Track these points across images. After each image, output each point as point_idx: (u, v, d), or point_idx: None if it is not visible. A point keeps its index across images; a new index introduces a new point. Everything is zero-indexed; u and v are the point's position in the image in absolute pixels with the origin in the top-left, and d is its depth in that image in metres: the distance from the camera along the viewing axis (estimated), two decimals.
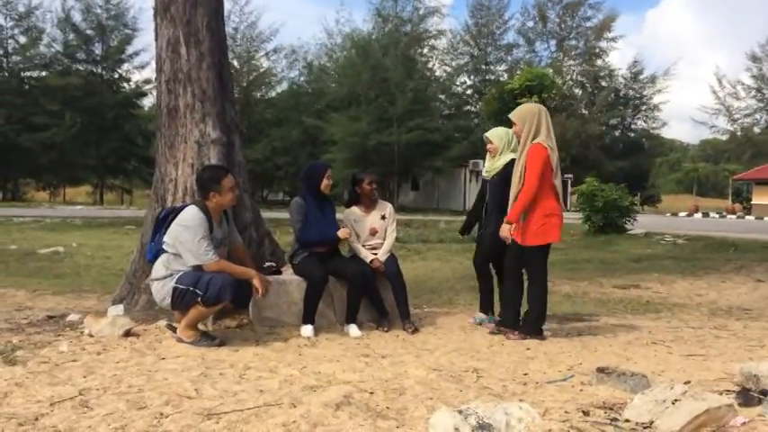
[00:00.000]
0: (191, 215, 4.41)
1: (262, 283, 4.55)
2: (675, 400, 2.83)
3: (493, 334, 5.08)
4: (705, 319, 6.24)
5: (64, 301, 6.66)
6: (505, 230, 4.92)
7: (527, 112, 5.04)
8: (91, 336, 4.61)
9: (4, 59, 38.15)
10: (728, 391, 3.38)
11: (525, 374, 3.87)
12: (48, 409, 3.03)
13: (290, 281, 5.24)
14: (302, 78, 44.14)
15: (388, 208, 5.68)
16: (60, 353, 4.14)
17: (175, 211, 4.58)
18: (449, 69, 46.01)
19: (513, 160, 5.22)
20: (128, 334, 4.62)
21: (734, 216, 35.15)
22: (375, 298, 5.38)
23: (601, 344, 4.88)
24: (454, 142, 37.17)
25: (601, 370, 3.61)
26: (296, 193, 5.39)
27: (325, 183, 5.27)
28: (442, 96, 42.67)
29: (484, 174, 5.72)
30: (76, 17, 38.52)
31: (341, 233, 5.27)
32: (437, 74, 43.48)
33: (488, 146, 5.55)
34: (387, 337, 5.05)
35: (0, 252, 11.41)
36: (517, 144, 5.22)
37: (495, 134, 5.54)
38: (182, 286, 4.34)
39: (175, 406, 3.08)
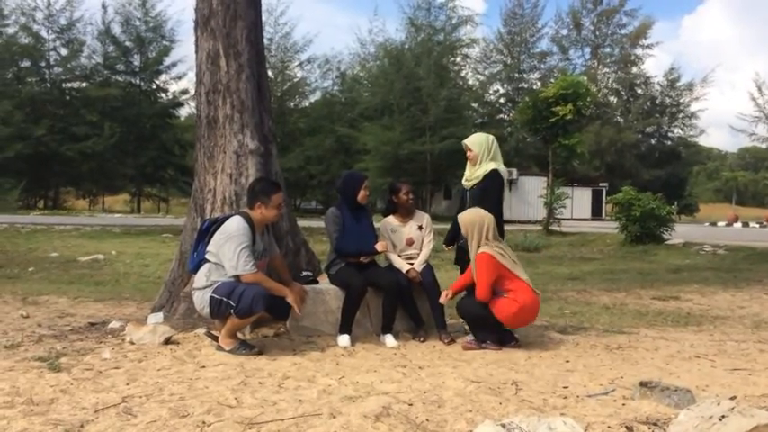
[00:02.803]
0: (235, 225, 4.47)
1: (296, 299, 4.60)
2: (723, 417, 2.76)
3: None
4: (749, 333, 6.09)
5: (104, 309, 6.78)
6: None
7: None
8: (132, 343, 4.69)
9: (47, 71, 39.10)
10: None
11: (565, 387, 3.82)
12: (92, 415, 3.08)
13: (327, 290, 5.26)
14: (335, 88, 44.43)
15: (425, 219, 5.67)
16: (103, 360, 4.22)
17: (218, 222, 4.65)
18: (482, 78, 45.96)
19: (493, 170, 5.23)
20: (168, 342, 4.69)
21: None
22: (411, 308, 5.37)
23: (642, 357, 4.80)
24: None
25: (643, 384, 3.54)
26: (329, 201, 5.46)
27: (362, 194, 5.28)
28: (475, 105, 42.56)
29: (464, 182, 5.53)
30: (116, 29, 39.40)
31: (379, 246, 5.27)
32: (470, 82, 43.45)
33: (468, 153, 5.40)
34: (423, 347, 5.04)
35: (42, 260, 11.70)
36: (497, 151, 5.32)
37: (475, 141, 5.41)
38: (217, 296, 4.40)
39: (217, 414, 3.11)
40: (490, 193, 5.26)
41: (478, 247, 4.97)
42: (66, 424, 2.95)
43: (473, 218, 5.04)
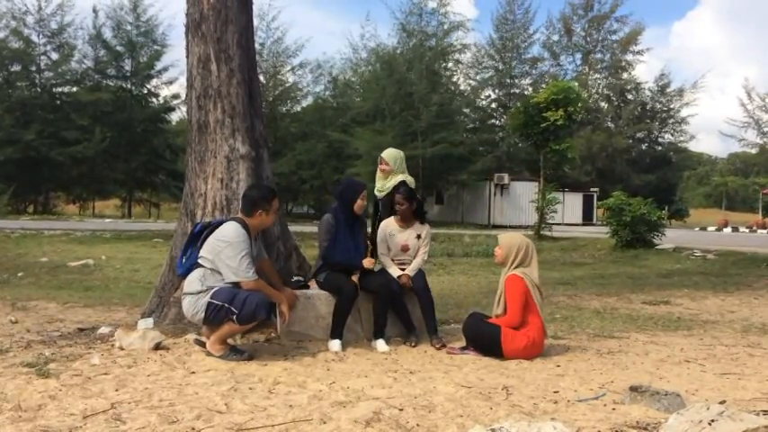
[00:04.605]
0: (234, 231, 4.45)
1: (289, 307, 4.63)
2: (712, 421, 2.77)
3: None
4: (738, 337, 6.12)
5: (94, 314, 6.74)
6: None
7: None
8: (122, 349, 4.66)
9: (37, 75, 38.83)
10: (765, 411, 3.30)
11: (556, 392, 3.82)
12: (81, 422, 3.06)
13: (318, 295, 5.25)
14: (327, 93, 44.32)
15: (425, 229, 5.67)
16: (92, 366, 4.19)
17: (211, 227, 4.62)
18: (473, 83, 45.93)
19: (401, 182, 5.71)
20: (158, 347, 4.66)
21: (764, 231, 34.43)
22: (403, 313, 5.37)
23: (632, 361, 4.81)
24: (479, 156, 37.10)
25: (634, 388, 3.55)
26: (321, 206, 5.53)
27: (359, 203, 5.27)
28: (467, 110, 42.53)
29: (376, 192, 6.03)
30: (107, 34, 39.15)
31: (365, 263, 5.27)
32: (462, 88, 43.38)
33: (384, 166, 5.88)
34: (414, 352, 5.04)
35: (31, 265, 11.62)
36: (404, 164, 5.94)
37: (392, 156, 5.90)
38: (216, 302, 4.36)
39: (206, 420, 3.09)
40: None
41: (514, 269, 4.92)
42: (55, 430, 2.93)
43: (520, 241, 5.04)
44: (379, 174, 5.99)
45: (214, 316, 4.40)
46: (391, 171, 5.87)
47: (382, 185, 5.93)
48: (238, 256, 4.38)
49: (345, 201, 5.30)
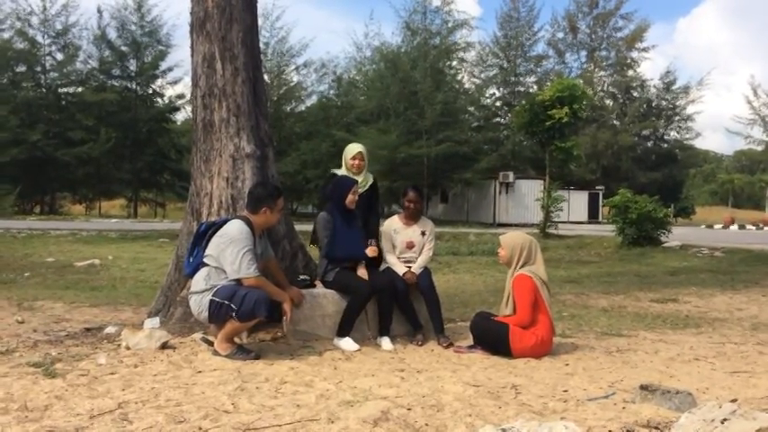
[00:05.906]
0: (237, 229, 4.44)
1: (291, 306, 4.62)
2: (725, 420, 2.73)
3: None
4: (747, 335, 6.07)
5: (100, 314, 6.73)
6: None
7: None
8: (128, 348, 4.65)
9: (42, 76, 38.90)
10: None
11: (565, 391, 3.79)
12: (88, 422, 3.04)
13: (324, 294, 5.23)
14: (332, 92, 44.26)
15: (429, 225, 5.68)
16: (99, 365, 4.18)
17: (215, 226, 4.62)
18: (478, 81, 45.83)
19: (375, 180, 5.91)
20: (164, 347, 4.65)
21: None
22: (409, 311, 5.35)
23: (642, 360, 4.78)
24: (483, 154, 37.00)
25: (644, 387, 3.52)
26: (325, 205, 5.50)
27: (349, 198, 5.26)
28: (471, 108, 42.45)
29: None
30: (112, 34, 39.15)
31: (369, 252, 5.26)
32: (466, 86, 43.26)
33: (360, 161, 5.80)
34: (421, 351, 5.02)
35: (38, 265, 11.64)
36: None
37: (365, 151, 5.91)
38: (218, 299, 4.36)
39: (214, 420, 3.08)
40: (378, 202, 6.01)
41: (520, 268, 4.90)
42: (61, 430, 2.92)
43: (522, 240, 5.01)
44: (353, 169, 5.80)
45: (216, 313, 4.40)
46: (365, 166, 5.88)
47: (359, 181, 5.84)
48: (240, 253, 4.37)
49: (336, 197, 5.31)
